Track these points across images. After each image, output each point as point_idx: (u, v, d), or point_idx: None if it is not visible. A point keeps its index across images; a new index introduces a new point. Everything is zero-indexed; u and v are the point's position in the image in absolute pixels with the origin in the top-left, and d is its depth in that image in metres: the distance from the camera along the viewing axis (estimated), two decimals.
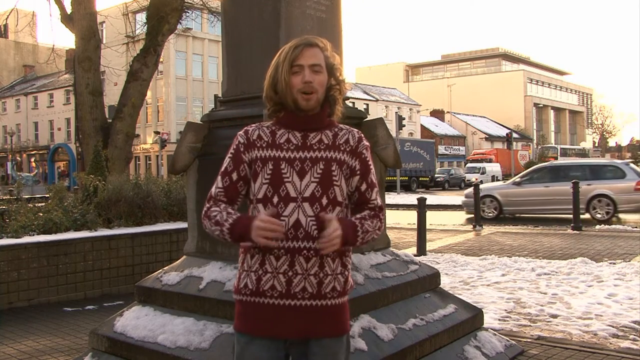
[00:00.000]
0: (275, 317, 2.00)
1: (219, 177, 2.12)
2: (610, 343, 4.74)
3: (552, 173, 16.92)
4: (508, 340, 4.53)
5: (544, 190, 16.08)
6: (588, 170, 16.41)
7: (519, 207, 16.77)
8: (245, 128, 2.14)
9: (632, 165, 17.16)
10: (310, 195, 2.01)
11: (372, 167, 2.15)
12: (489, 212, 16.91)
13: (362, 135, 2.16)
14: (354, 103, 40.39)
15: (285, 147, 2.06)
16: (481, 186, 20.10)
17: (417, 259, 4.76)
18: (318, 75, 2.05)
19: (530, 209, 16.38)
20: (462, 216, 18.02)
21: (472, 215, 16.82)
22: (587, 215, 15.80)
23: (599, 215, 15.54)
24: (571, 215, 16.14)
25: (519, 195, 16.59)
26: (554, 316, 5.62)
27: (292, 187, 2.02)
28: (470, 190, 18.81)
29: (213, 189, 2.11)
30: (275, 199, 2.01)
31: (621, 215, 16.49)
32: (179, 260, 4.29)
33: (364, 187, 2.11)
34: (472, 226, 13.94)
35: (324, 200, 2.02)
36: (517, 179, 17.51)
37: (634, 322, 5.30)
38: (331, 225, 1.93)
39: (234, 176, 2.09)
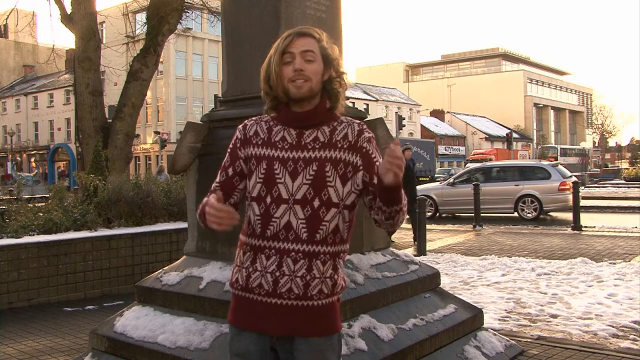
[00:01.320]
0: (261, 313, 2.02)
1: (219, 172, 2.15)
2: (610, 343, 4.74)
3: (485, 174, 17.60)
4: (508, 340, 4.53)
5: None
6: (517, 172, 17.23)
7: (453, 206, 17.46)
8: (245, 122, 2.14)
9: (559, 167, 17.85)
10: (301, 198, 1.98)
11: (377, 159, 2.05)
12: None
13: (364, 127, 2.08)
14: (354, 103, 40.41)
15: (280, 146, 2.03)
16: (418, 187, 20.59)
17: (417, 259, 4.75)
18: (310, 64, 1.98)
19: (464, 209, 16.82)
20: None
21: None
22: (515, 214, 16.48)
23: (526, 215, 16.30)
24: (502, 215, 16.78)
25: (453, 195, 17.22)
26: (554, 316, 5.62)
27: (284, 189, 1.99)
28: None
29: (213, 184, 2.15)
30: (268, 199, 2.01)
31: (553, 214, 17.10)
32: (179, 260, 4.29)
33: (375, 180, 1.99)
34: (472, 226, 13.95)
35: (316, 203, 1.99)
36: (451, 180, 18.12)
37: (634, 322, 5.30)
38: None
39: (230, 171, 2.10)
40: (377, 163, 2.02)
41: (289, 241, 1.98)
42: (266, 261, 2.00)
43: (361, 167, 2.03)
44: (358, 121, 2.11)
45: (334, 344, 2.07)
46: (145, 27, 13.73)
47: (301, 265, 1.98)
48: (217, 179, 2.13)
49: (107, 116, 13.81)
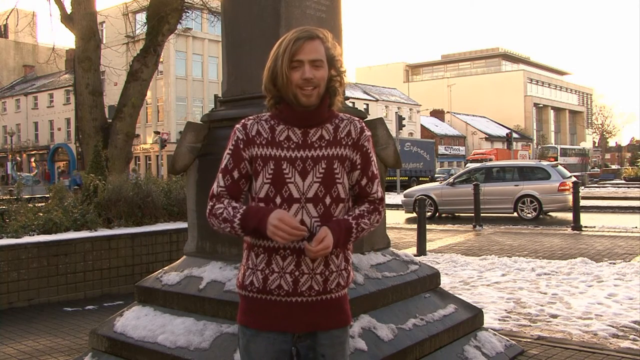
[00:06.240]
0: (282, 313, 2.01)
1: (220, 175, 2.07)
2: (610, 343, 4.74)
3: (485, 174, 17.73)
4: (508, 340, 4.53)
5: None
6: (517, 172, 17.33)
7: (453, 206, 17.57)
8: (243, 122, 2.08)
9: (559, 167, 17.94)
10: (313, 196, 1.99)
11: (373, 158, 2.12)
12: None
13: (364, 125, 2.13)
14: (354, 103, 40.39)
15: (286, 146, 2.01)
16: (418, 187, 20.82)
17: (417, 259, 4.76)
18: (318, 71, 1.99)
19: (463, 209, 16.93)
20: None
21: (412, 215, 17.50)
22: (515, 214, 16.56)
23: (526, 215, 16.38)
24: (502, 215, 16.85)
25: (453, 195, 17.34)
26: (554, 316, 5.62)
27: (295, 188, 1.99)
28: (410, 190, 19.79)
29: (215, 187, 2.07)
30: (278, 200, 1.99)
31: (553, 214, 17.18)
32: (179, 260, 4.29)
33: (364, 181, 2.09)
34: (472, 226, 13.94)
35: (328, 200, 2.01)
36: (451, 179, 18.26)
37: (634, 322, 5.30)
38: (320, 235, 1.92)
39: (235, 174, 2.04)
40: (373, 163, 2.11)
41: (304, 240, 1.97)
42: (282, 262, 2.00)
43: (359, 166, 2.09)
44: (357, 118, 2.15)
45: (347, 335, 2.14)
46: (145, 27, 13.72)
47: (319, 262, 2.01)
48: (221, 183, 2.06)
49: (107, 116, 13.80)
